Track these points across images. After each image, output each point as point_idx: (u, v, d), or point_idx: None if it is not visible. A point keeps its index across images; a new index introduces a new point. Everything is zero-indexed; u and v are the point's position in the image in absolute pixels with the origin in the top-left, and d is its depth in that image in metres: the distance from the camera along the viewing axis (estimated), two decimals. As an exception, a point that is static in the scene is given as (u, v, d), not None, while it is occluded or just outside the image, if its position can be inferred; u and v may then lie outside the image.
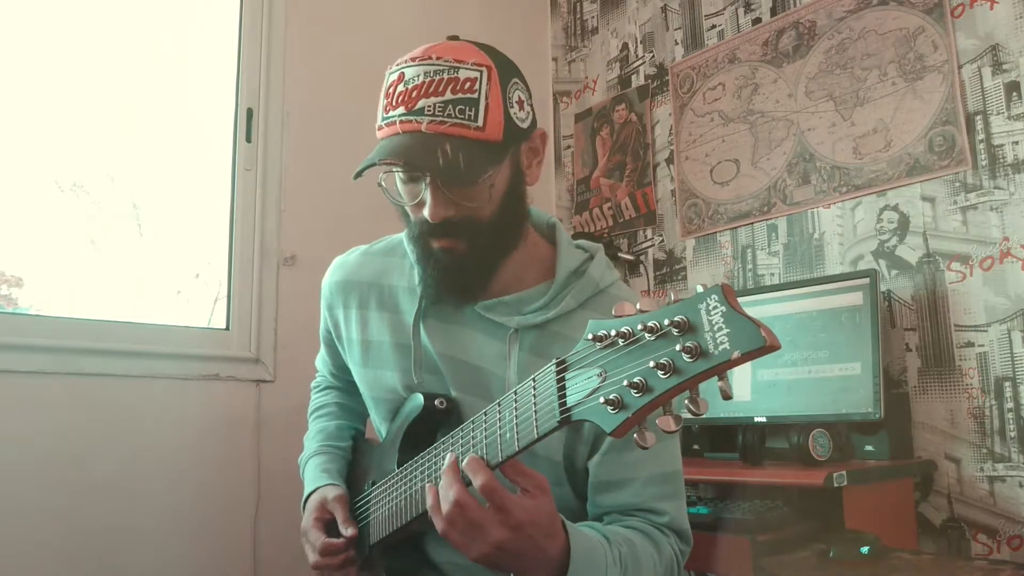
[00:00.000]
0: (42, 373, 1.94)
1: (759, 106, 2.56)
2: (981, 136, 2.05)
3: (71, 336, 2.03)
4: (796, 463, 1.88)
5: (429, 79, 1.03)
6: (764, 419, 2.12)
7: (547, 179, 3.28)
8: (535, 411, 0.86)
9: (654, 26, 2.97)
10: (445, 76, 1.03)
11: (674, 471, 1.16)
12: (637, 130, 2.97)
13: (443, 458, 1.01)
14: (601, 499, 1.14)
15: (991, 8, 2.05)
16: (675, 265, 2.79)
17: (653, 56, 2.96)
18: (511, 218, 1.13)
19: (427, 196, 1.07)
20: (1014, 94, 2.00)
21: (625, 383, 0.73)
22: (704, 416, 0.70)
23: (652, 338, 0.72)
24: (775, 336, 0.65)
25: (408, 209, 1.13)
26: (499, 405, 0.93)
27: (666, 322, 0.71)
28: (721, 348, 0.67)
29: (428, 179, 1.06)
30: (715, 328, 0.67)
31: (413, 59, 1.06)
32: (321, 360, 1.52)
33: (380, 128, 1.08)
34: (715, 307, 0.68)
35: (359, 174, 1.06)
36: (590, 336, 0.78)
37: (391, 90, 1.07)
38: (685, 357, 0.69)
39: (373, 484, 1.24)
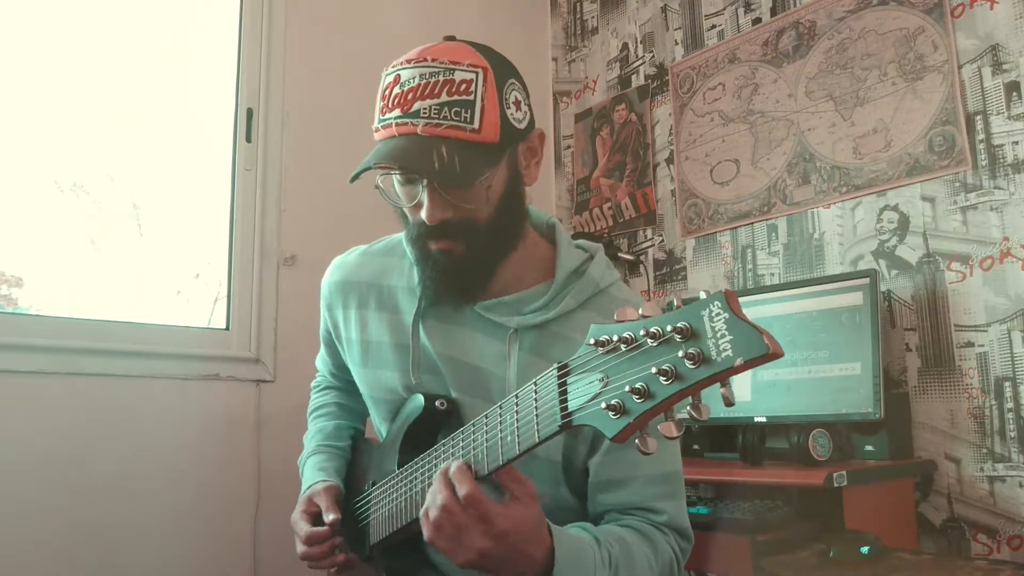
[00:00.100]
0: (42, 373, 1.94)
1: (759, 106, 2.56)
2: (981, 136, 2.05)
3: (71, 336, 2.03)
4: (796, 463, 1.88)
5: (425, 81, 1.03)
6: (764, 419, 2.12)
7: (547, 179, 3.28)
8: (536, 415, 0.86)
9: (654, 26, 2.96)
10: (441, 78, 1.03)
11: (674, 471, 1.16)
12: (637, 130, 2.97)
13: (443, 459, 1.01)
14: (601, 498, 1.14)
15: (991, 8, 2.05)
16: (675, 265, 2.79)
17: (653, 56, 2.95)
18: (509, 219, 1.13)
19: (424, 198, 1.07)
20: (1014, 94, 2.00)
21: (627, 388, 0.73)
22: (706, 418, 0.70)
23: (655, 344, 0.72)
24: (778, 344, 0.65)
25: (406, 211, 1.13)
26: (500, 408, 0.93)
27: (669, 328, 0.71)
28: (724, 355, 0.67)
29: (425, 181, 1.06)
30: (718, 335, 0.67)
31: (409, 61, 1.06)
32: (321, 360, 1.52)
33: (377, 130, 1.08)
34: (718, 313, 0.68)
35: (355, 177, 1.06)
36: (592, 341, 0.78)
37: (387, 92, 1.06)
38: (688, 363, 0.69)
39: (373, 484, 1.24)
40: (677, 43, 2.87)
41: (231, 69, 2.44)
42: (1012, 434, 1.94)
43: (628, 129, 3.00)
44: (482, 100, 1.03)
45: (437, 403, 1.16)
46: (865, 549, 1.56)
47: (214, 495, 2.18)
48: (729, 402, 0.68)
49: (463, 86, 1.03)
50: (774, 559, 1.65)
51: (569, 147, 3.26)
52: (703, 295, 0.70)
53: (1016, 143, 1.99)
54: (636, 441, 0.75)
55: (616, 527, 1.10)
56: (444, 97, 1.03)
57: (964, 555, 1.97)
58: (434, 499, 0.95)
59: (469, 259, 1.11)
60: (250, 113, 2.42)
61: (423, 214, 1.07)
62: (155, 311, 2.33)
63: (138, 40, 2.36)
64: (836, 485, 1.71)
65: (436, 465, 1.04)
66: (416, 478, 1.09)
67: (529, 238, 1.20)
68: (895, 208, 2.20)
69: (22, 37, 2.14)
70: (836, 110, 2.35)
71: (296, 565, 1.30)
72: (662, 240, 2.84)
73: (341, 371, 1.43)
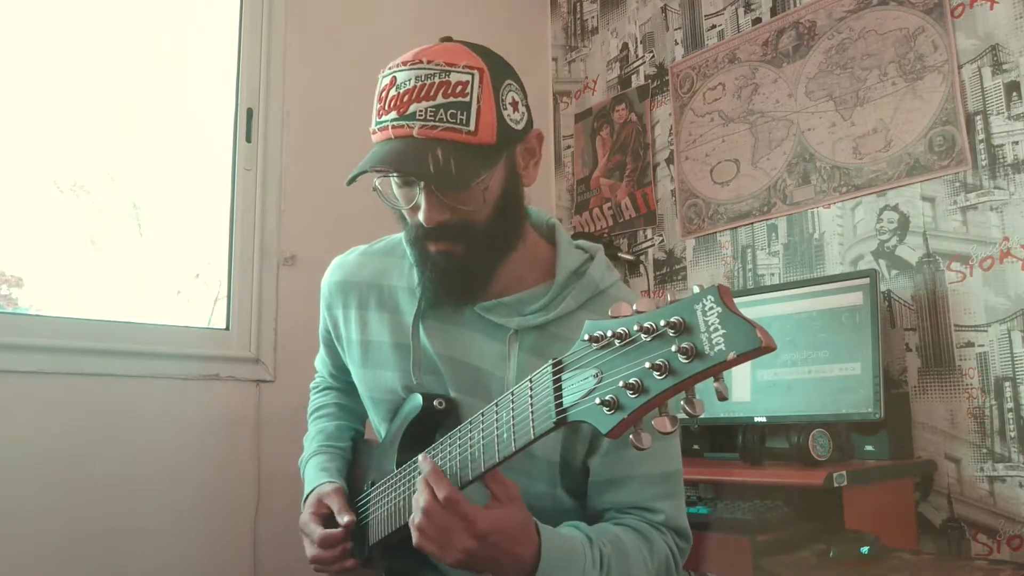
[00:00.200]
0: (42, 373, 1.95)
1: (759, 106, 2.56)
2: (981, 136, 2.04)
3: (71, 336, 2.03)
4: (796, 463, 1.88)
5: (420, 83, 1.03)
6: (764, 419, 2.12)
7: (547, 179, 3.28)
8: (532, 412, 0.86)
9: (654, 26, 2.96)
10: (436, 80, 1.03)
11: (673, 471, 1.16)
12: (637, 130, 2.97)
13: (440, 458, 1.01)
14: (599, 497, 1.15)
15: (991, 8, 2.05)
16: (675, 265, 2.79)
17: (653, 56, 2.95)
18: (508, 220, 1.13)
19: (421, 200, 1.07)
20: (1014, 94, 2.00)
21: (621, 384, 0.73)
22: (704, 416, 0.70)
23: (648, 339, 0.72)
24: (771, 337, 0.65)
25: (405, 212, 1.13)
26: (496, 406, 0.93)
27: (662, 323, 0.71)
28: (717, 349, 0.67)
29: (422, 184, 1.06)
30: (711, 329, 0.67)
31: (404, 63, 1.06)
32: (320, 361, 1.51)
33: (373, 132, 1.08)
34: (711, 308, 0.68)
35: (352, 180, 1.06)
36: (587, 337, 0.78)
37: (384, 94, 1.06)
38: (681, 358, 0.69)
39: (372, 484, 1.24)
40: (677, 43, 2.87)
41: (231, 69, 2.44)
42: (1012, 434, 1.93)
43: (628, 129, 3.00)
44: (478, 102, 1.03)
45: (435, 402, 1.16)
46: (865, 549, 1.56)
47: (214, 495, 2.18)
48: (723, 396, 0.68)
49: (459, 88, 1.03)
50: (774, 559, 1.65)
51: (569, 147, 3.26)
52: (696, 289, 0.70)
53: (1016, 143, 1.99)
54: (631, 436, 0.75)
55: (612, 526, 1.10)
56: (440, 99, 1.02)
57: (964, 555, 1.97)
58: (416, 504, 0.97)
59: (468, 260, 1.11)
60: (250, 113, 2.42)
61: (421, 216, 1.07)
62: (155, 311, 2.33)
63: (138, 40, 2.36)
64: (836, 485, 1.71)
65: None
66: (415, 478, 1.09)
67: (529, 238, 1.19)
68: (895, 208, 2.20)
69: (22, 37, 2.15)
70: (836, 110, 2.35)
71: (296, 565, 1.29)
72: (662, 240, 2.84)
73: (340, 372, 1.43)
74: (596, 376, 0.77)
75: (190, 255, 2.46)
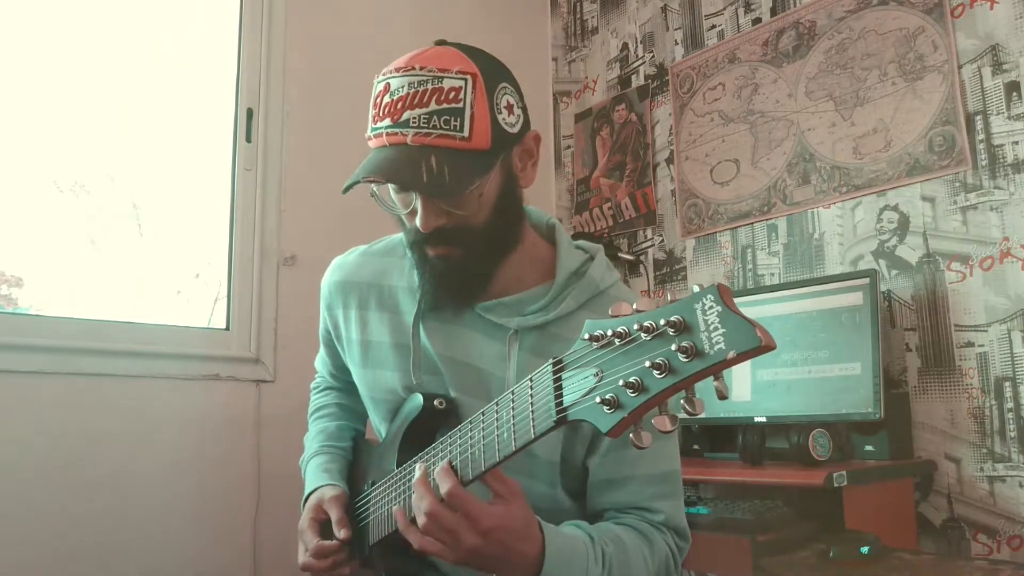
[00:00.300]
0: (42, 373, 1.95)
1: (759, 106, 2.56)
2: (981, 136, 2.04)
3: (71, 336, 2.03)
4: (796, 463, 1.88)
5: (413, 90, 1.03)
6: (764, 419, 2.12)
7: (547, 179, 3.28)
8: (532, 411, 0.86)
9: (654, 26, 2.96)
10: (429, 86, 1.02)
11: (672, 471, 1.16)
12: (637, 130, 2.97)
13: (440, 458, 1.01)
14: (599, 498, 1.15)
15: (991, 8, 2.05)
16: (675, 265, 2.79)
17: (653, 56, 2.96)
18: (505, 223, 1.12)
19: (418, 206, 1.07)
20: (1014, 94, 2.00)
21: (621, 383, 0.73)
22: (704, 416, 0.70)
23: (648, 338, 0.72)
24: (771, 336, 0.65)
25: (403, 217, 1.13)
26: (497, 405, 0.93)
27: (662, 322, 0.71)
28: (717, 348, 0.67)
29: None
30: (711, 328, 0.67)
31: (398, 69, 1.05)
32: (320, 361, 1.51)
33: (369, 139, 1.08)
34: (711, 307, 0.68)
35: (347, 189, 1.06)
36: (587, 336, 0.78)
37: (378, 100, 1.06)
38: (681, 357, 0.69)
39: (372, 484, 1.24)
40: (677, 43, 2.87)
41: (231, 69, 2.44)
42: (1012, 434, 1.93)
43: (628, 129, 3.00)
44: (471, 107, 1.03)
45: (436, 402, 1.16)
46: (865, 549, 1.56)
47: (214, 495, 2.18)
48: (723, 395, 0.68)
49: (452, 94, 1.02)
50: (774, 559, 1.65)
51: (569, 147, 3.26)
52: (696, 289, 0.70)
53: (1016, 143, 1.99)
54: (631, 435, 0.75)
55: (613, 525, 1.10)
56: (433, 106, 1.02)
57: (964, 555, 1.97)
58: (418, 507, 0.96)
59: (467, 264, 1.11)
60: (250, 113, 2.42)
61: (418, 222, 1.07)
62: (155, 311, 2.33)
63: (138, 40, 2.36)
64: (836, 485, 1.71)
65: (434, 464, 1.03)
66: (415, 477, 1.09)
67: (528, 239, 1.19)
68: (895, 208, 2.20)
69: (22, 37, 2.15)
70: (836, 110, 2.35)
71: (296, 565, 1.29)
72: (662, 240, 2.84)
73: (341, 372, 1.43)
74: (596, 375, 0.77)
75: (190, 255, 2.46)
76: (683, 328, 0.69)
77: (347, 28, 2.69)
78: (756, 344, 0.64)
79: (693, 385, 0.70)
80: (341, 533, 1.19)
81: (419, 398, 1.16)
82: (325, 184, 2.44)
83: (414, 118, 1.02)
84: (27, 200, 2.15)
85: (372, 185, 1.10)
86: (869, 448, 2.01)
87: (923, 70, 2.16)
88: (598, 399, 0.76)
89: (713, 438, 2.33)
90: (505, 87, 1.08)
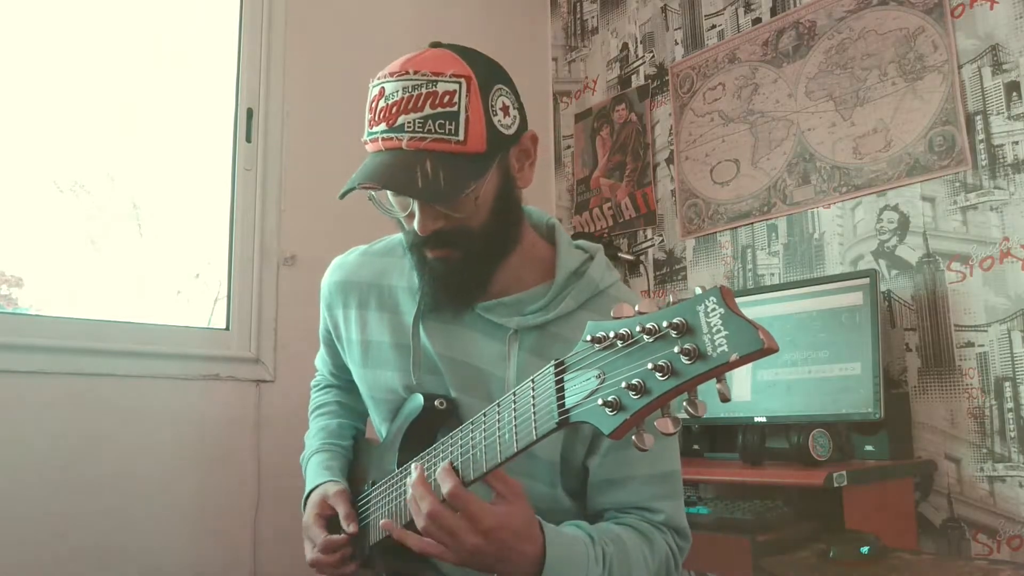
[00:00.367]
0: (42, 373, 1.94)
1: (759, 106, 2.56)
2: (981, 136, 2.05)
3: (71, 336, 2.03)
4: (796, 463, 1.88)
5: (408, 95, 1.03)
6: (764, 419, 2.12)
7: (547, 179, 3.28)
8: (534, 412, 0.86)
9: (654, 26, 2.96)
10: (423, 91, 1.02)
11: (672, 471, 1.16)
12: (637, 130, 2.97)
13: (441, 458, 1.01)
14: (599, 498, 1.15)
15: (991, 8, 2.05)
16: (675, 265, 2.79)
17: (653, 56, 2.96)
18: (503, 224, 1.13)
19: (416, 209, 1.07)
20: (1014, 94, 2.00)
21: (623, 385, 0.73)
22: (704, 416, 0.70)
23: (650, 340, 0.72)
24: (773, 339, 0.65)
25: (402, 219, 1.13)
26: (498, 406, 0.93)
27: (664, 324, 0.71)
28: (719, 350, 0.67)
29: None
30: (713, 330, 0.67)
31: (392, 73, 1.05)
32: (321, 360, 1.52)
33: (366, 143, 1.08)
34: (713, 309, 0.68)
35: (343, 195, 1.06)
36: (589, 338, 0.78)
37: (373, 105, 1.06)
38: (683, 359, 0.69)
39: (373, 484, 1.24)
40: (677, 43, 2.87)
41: (231, 69, 2.44)
42: (1012, 434, 1.94)
43: (628, 129, 3.00)
44: (466, 111, 1.03)
45: (436, 403, 1.16)
46: (865, 549, 1.56)
47: (214, 495, 2.18)
48: (725, 398, 0.69)
49: (446, 98, 1.03)
50: (774, 559, 1.64)
51: (569, 147, 3.26)
52: (699, 291, 0.70)
53: (1016, 143, 1.99)
54: (632, 437, 0.75)
55: (613, 525, 1.11)
56: (427, 110, 1.02)
57: (964, 555, 1.97)
58: (419, 508, 0.96)
59: (465, 266, 1.12)
60: (250, 113, 2.42)
61: (415, 225, 1.08)
62: (155, 311, 2.33)
63: (138, 40, 2.36)
64: (836, 485, 1.71)
65: (435, 464, 1.04)
66: (416, 478, 1.09)
67: (528, 239, 1.20)
68: (895, 208, 2.20)
69: (22, 37, 2.15)
70: (836, 110, 2.35)
71: (296, 565, 1.29)
72: (662, 240, 2.84)
73: (341, 371, 1.43)
74: (598, 377, 0.77)
75: (190, 255, 2.46)
76: (685, 330, 0.70)
77: (347, 28, 2.69)
78: (759, 347, 0.64)
79: (695, 387, 0.70)
80: (350, 527, 1.19)
81: (420, 398, 1.16)
82: (325, 184, 2.43)
83: (409, 122, 1.02)
84: (27, 200, 2.15)
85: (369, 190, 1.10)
86: (869, 448, 2.01)
87: (923, 70, 2.16)
88: (600, 401, 0.76)
89: (713, 438, 2.33)
90: (500, 89, 1.08)
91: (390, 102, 1.04)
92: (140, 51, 2.36)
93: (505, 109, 1.08)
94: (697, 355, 0.68)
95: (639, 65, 3.01)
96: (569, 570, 0.99)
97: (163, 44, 2.41)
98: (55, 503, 1.92)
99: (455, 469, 0.97)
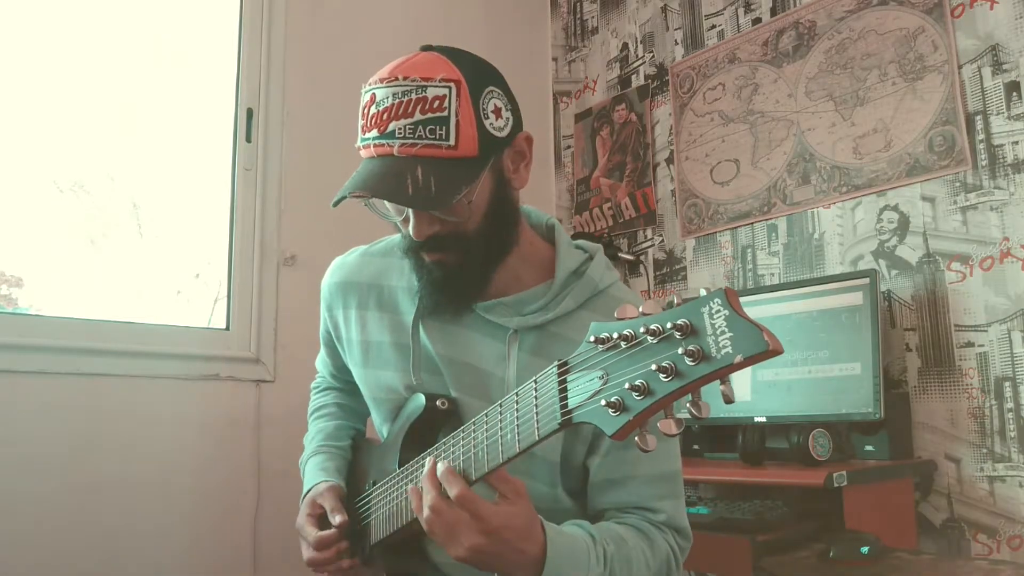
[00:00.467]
0: (42, 373, 1.94)
1: (759, 106, 2.57)
2: (981, 136, 2.05)
3: (71, 336, 2.03)
4: (796, 463, 1.88)
5: (398, 100, 1.03)
6: (764, 419, 2.12)
7: (547, 179, 3.28)
8: (536, 412, 0.86)
9: (654, 26, 2.96)
10: (413, 96, 1.02)
11: (673, 471, 1.16)
12: (637, 130, 2.97)
13: (443, 458, 1.02)
14: (600, 498, 1.15)
15: (991, 8, 2.05)
16: (675, 265, 2.79)
17: (653, 56, 2.96)
18: (499, 226, 1.13)
19: (410, 214, 1.08)
20: (1014, 94, 2.00)
21: (627, 386, 0.73)
22: (706, 418, 0.70)
23: (654, 341, 0.72)
24: (778, 341, 0.65)
25: (398, 223, 1.13)
26: (500, 406, 0.93)
27: (668, 325, 0.71)
28: (723, 352, 0.67)
29: None
30: (718, 332, 0.67)
31: (382, 80, 1.05)
32: (321, 361, 1.51)
33: (359, 149, 1.09)
34: (718, 311, 0.68)
35: (336, 203, 1.06)
36: (592, 338, 0.78)
37: (365, 111, 1.07)
38: (687, 360, 0.69)
39: (374, 484, 1.24)
40: (677, 43, 2.87)
41: (231, 69, 2.44)
42: (1012, 434, 1.94)
43: (628, 129, 3.01)
44: (456, 115, 1.03)
45: (438, 402, 1.16)
46: (865, 549, 1.56)
47: (214, 495, 2.18)
48: (729, 399, 0.69)
49: (436, 103, 1.02)
50: (774, 559, 1.65)
51: (569, 147, 3.26)
52: (703, 292, 0.70)
53: (1016, 143, 1.99)
54: (635, 439, 0.75)
55: (614, 525, 1.11)
56: (418, 116, 1.02)
57: (964, 555, 1.97)
58: (424, 499, 0.97)
59: (462, 269, 1.12)
60: (250, 113, 2.42)
61: (410, 230, 1.08)
62: (155, 311, 2.33)
63: (138, 40, 2.36)
64: (836, 485, 1.71)
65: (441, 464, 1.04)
66: (416, 477, 1.09)
67: (527, 239, 1.20)
68: (895, 208, 2.20)
69: (22, 37, 2.14)
70: (836, 110, 2.35)
71: (296, 565, 1.29)
72: (662, 240, 2.84)
73: (341, 372, 1.43)
74: (602, 377, 0.77)
75: (190, 255, 2.46)
76: (690, 331, 0.70)
77: (347, 28, 2.69)
78: (763, 348, 0.64)
79: (699, 389, 0.70)
80: (336, 519, 1.20)
81: (421, 398, 1.17)
82: (325, 184, 2.41)
83: (400, 129, 1.02)
84: (27, 200, 2.15)
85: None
86: (869, 448, 2.01)
87: (923, 70, 2.16)
88: (603, 402, 0.76)
89: (713, 438, 2.33)
90: (492, 91, 1.08)
91: (381, 108, 1.04)
92: (140, 51, 2.36)
93: (497, 111, 1.08)
94: (701, 356, 0.68)
95: (639, 65, 3.01)
96: (570, 569, 0.99)
97: (163, 44, 2.41)
98: (55, 503, 1.92)
99: (464, 473, 0.97)
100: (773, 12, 2.55)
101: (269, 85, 2.46)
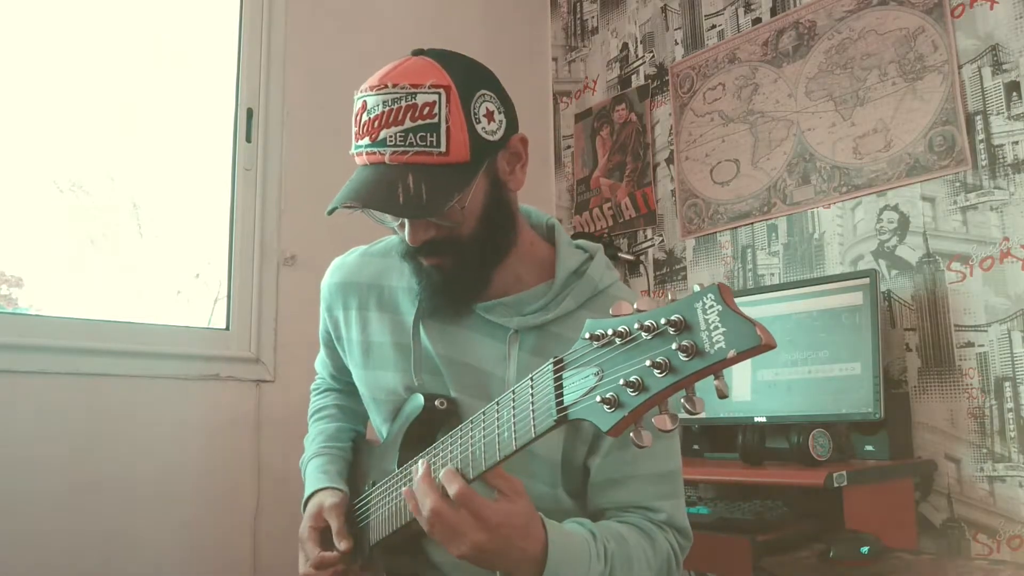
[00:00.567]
0: (42, 373, 1.95)
1: (759, 106, 2.56)
2: (981, 136, 2.04)
3: (71, 336, 2.03)
4: (796, 463, 1.88)
5: (388, 108, 1.03)
6: (764, 419, 2.12)
7: (547, 179, 3.28)
8: (533, 410, 0.86)
9: (654, 26, 2.97)
10: (403, 104, 1.02)
11: (673, 470, 1.16)
12: (637, 130, 2.97)
13: (441, 457, 1.02)
14: (601, 497, 1.15)
15: (991, 8, 2.05)
16: (675, 265, 2.79)
17: (653, 56, 2.96)
18: (495, 229, 1.12)
19: (405, 221, 1.08)
20: (1014, 94, 2.00)
21: (621, 382, 0.73)
22: (704, 416, 0.70)
23: (649, 337, 0.72)
24: (771, 335, 0.65)
25: (395, 228, 1.14)
26: (497, 404, 0.93)
27: (662, 321, 0.71)
28: (717, 347, 0.67)
29: None
30: (711, 327, 0.67)
31: (372, 88, 1.05)
32: (320, 362, 1.51)
33: (353, 156, 1.09)
34: (711, 306, 0.68)
35: (330, 212, 1.06)
36: (587, 335, 0.79)
37: (357, 118, 1.07)
38: (681, 356, 0.69)
39: (373, 484, 1.24)
40: (677, 43, 2.87)
41: (231, 69, 2.44)
42: (1012, 434, 1.93)
43: (628, 129, 3.01)
44: (447, 121, 1.02)
45: (437, 402, 1.16)
46: (865, 549, 1.56)
47: (214, 495, 2.18)
48: (723, 394, 0.68)
49: (426, 109, 1.02)
50: (774, 559, 1.64)
51: (569, 147, 3.26)
52: (697, 288, 0.70)
53: (1016, 143, 1.99)
54: (631, 435, 0.75)
55: (615, 523, 1.11)
56: (408, 123, 1.02)
57: (964, 555, 1.97)
58: (423, 501, 0.97)
59: (460, 272, 1.12)
60: (250, 113, 2.42)
61: (406, 235, 1.08)
62: (155, 311, 2.33)
63: (138, 40, 2.36)
64: (836, 485, 1.70)
65: (435, 464, 1.04)
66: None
67: (527, 239, 1.20)
68: (895, 208, 2.20)
69: (22, 37, 2.15)
70: (836, 110, 2.35)
71: (296, 566, 1.29)
72: (662, 240, 2.84)
73: (341, 373, 1.43)
74: (597, 374, 0.77)
75: (190, 255, 2.46)
76: (683, 327, 0.70)
77: (347, 28, 2.69)
78: (756, 343, 0.64)
79: (693, 384, 0.70)
80: (342, 545, 1.19)
81: (420, 398, 1.16)
82: (325, 184, 2.41)
83: (391, 136, 1.02)
84: (27, 200, 2.16)
85: None
86: (869, 448, 2.01)
87: (923, 70, 2.16)
88: (598, 398, 0.76)
89: (713, 438, 2.33)
90: (483, 94, 1.07)
91: (372, 116, 1.04)
92: (140, 51, 2.37)
93: (489, 115, 1.07)
94: (695, 352, 0.68)
95: (639, 65, 3.01)
96: (571, 567, 0.99)
97: (163, 44, 2.41)
98: (55, 503, 1.92)
99: (457, 470, 0.97)
100: (773, 12, 2.56)
101: (269, 85, 2.46)
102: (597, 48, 3.20)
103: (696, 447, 2.35)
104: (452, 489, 0.94)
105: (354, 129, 1.08)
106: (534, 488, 1.11)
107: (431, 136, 1.02)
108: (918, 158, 2.15)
